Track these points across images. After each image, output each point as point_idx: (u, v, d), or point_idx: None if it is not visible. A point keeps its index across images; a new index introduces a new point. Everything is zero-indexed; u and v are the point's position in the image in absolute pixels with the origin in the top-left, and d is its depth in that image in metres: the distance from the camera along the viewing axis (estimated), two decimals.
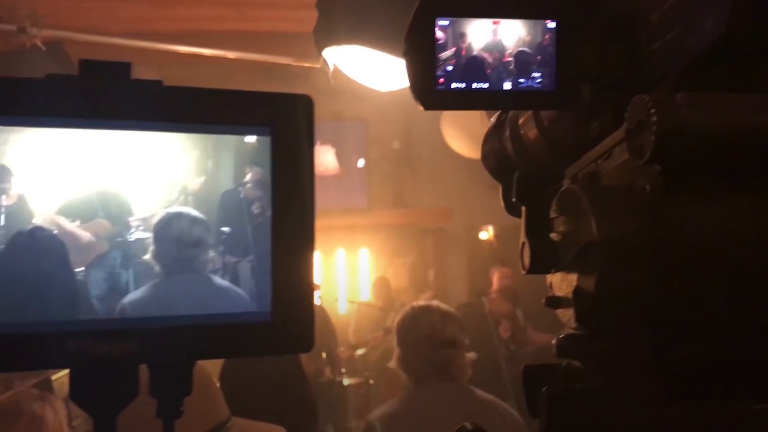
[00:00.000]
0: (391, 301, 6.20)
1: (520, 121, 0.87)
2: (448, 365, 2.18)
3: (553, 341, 0.69)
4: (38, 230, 0.51)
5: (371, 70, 2.32)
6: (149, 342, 0.52)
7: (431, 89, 0.70)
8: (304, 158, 0.55)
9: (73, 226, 0.51)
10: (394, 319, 5.78)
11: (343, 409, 5.59)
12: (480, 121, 4.61)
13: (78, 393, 0.52)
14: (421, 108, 0.71)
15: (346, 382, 5.57)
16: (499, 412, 2.16)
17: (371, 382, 5.76)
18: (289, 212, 0.55)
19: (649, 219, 0.58)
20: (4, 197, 0.50)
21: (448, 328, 2.23)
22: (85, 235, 0.52)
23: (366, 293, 6.54)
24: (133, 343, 0.51)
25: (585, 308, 0.62)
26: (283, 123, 0.55)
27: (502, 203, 1.00)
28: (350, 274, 6.71)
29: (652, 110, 0.57)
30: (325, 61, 2.35)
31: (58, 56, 4.55)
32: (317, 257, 6.59)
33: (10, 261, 0.50)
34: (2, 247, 0.50)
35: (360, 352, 5.80)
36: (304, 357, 4.54)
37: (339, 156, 6.49)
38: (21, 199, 0.51)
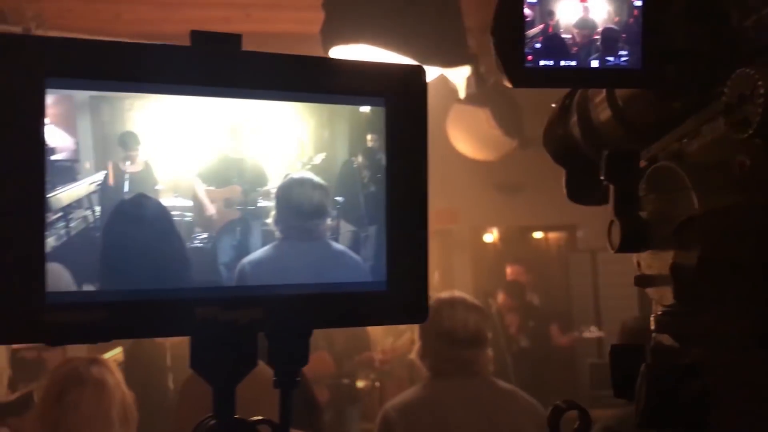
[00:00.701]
0: None
1: (591, 103, 0.87)
2: (468, 364, 2.15)
3: (652, 318, 0.68)
4: (143, 198, 0.51)
5: None
6: (272, 310, 0.52)
7: (519, 66, 0.70)
8: (417, 128, 0.55)
9: (205, 191, 0.51)
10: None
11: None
12: (485, 122, 4.62)
13: (199, 361, 0.52)
14: (509, 85, 0.71)
15: (360, 384, 5.55)
16: (518, 401, 2.14)
17: (377, 384, 5.74)
18: (403, 182, 0.55)
19: (753, 192, 0.58)
20: (128, 164, 0.50)
21: (471, 322, 2.18)
22: (217, 200, 0.51)
23: None
24: (258, 311, 0.51)
25: (685, 283, 0.61)
26: (397, 93, 0.55)
27: (564, 189, 1.00)
28: None
29: (759, 83, 0.57)
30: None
31: None
32: None
33: (122, 228, 0.50)
34: (113, 215, 0.50)
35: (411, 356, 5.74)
36: (328, 358, 4.53)
37: None
38: (147, 165, 0.50)
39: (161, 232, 0.50)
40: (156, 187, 0.51)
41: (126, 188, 0.50)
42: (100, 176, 0.50)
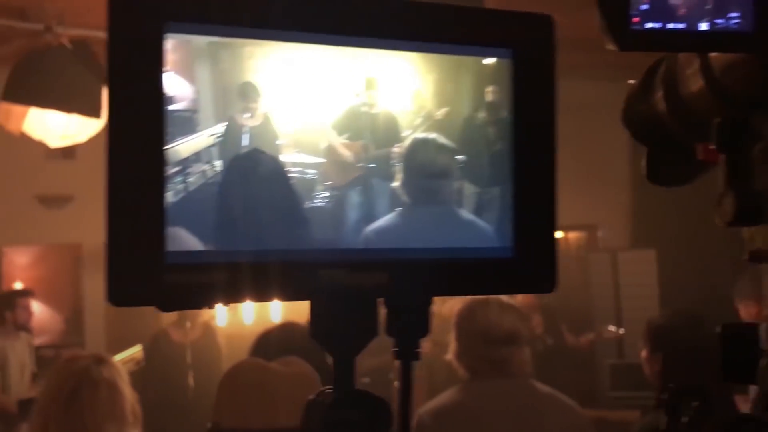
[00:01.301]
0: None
1: (681, 75, 0.83)
2: (505, 363, 2.11)
3: None
4: (258, 153, 0.47)
5: None
6: (397, 275, 0.48)
7: (625, 29, 0.66)
8: (546, 83, 0.52)
9: (330, 147, 0.47)
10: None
11: None
12: None
13: (319, 329, 0.48)
14: (614, 49, 0.67)
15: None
16: (557, 405, 2.10)
17: (396, 384, 5.69)
18: (531, 141, 0.51)
19: None
20: (247, 116, 0.47)
21: (506, 321, 2.14)
22: (343, 157, 0.48)
23: None
24: (382, 276, 0.47)
25: None
26: (525, 44, 0.52)
27: (643, 170, 0.96)
28: None
29: None
30: None
31: (85, 55, 4.53)
32: None
33: (239, 185, 0.46)
34: (229, 171, 0.46)
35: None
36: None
37: None
38: (267, 119, 0.47)
39: (278, 190, 0.47)
40: (276, 142, 0.47)
41: (244, 142, 0.47)
42: (219, 128, 0.46)
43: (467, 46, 0.51)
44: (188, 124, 0.46)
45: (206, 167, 0.46)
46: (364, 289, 0.47)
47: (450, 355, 2.21)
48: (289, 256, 0.46)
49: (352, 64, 0.49)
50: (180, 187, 0.45)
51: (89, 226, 6.60)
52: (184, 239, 0.44)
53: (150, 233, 0.44)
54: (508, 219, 0.51)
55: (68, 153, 6.47)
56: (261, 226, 0.46)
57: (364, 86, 0.49)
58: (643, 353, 2.09)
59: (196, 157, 0.46)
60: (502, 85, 0.52)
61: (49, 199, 6.45)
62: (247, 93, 0.46)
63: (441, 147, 0.50)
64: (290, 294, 0.48)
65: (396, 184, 0.49)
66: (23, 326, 4.82)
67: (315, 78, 0.48)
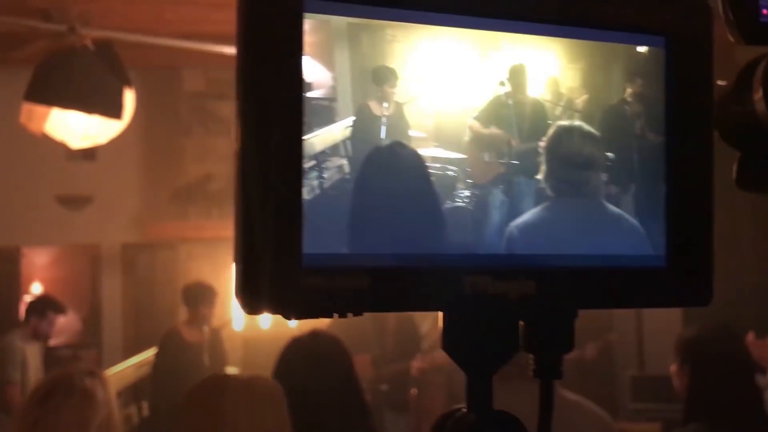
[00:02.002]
0: None
1: None
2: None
3: None
4: (399, 147, 0.43)
5: None
6: (544, 283, 0.43)
7: (753, 22, 0.61)
8: (703, 75, 0.47)
9: (473, 141, 0.43)
10: None
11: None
12: None
13: (454, 342, 0.43)
14: (740, 43, 0.62)
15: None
16: (585, 413, 2.05)
17: (414, 391, 5.64)
18: (686, 138, 0.47)
19: None
20: (385, 105, 0.42)
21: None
22: (486, 152, 0.43)
23: None
24: (530, 284, 0.43)
25: None
26: (680, 34, 0.47)
27: (734, 174, 0.91)
28: None
29: None
30: None
31: (107, 57, 4.51)
32: None
33: (378, 181, 0.41)
34: (367, 166, 0.41)
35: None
36: (367, 361, 4.41)
37: None
38: (405, 108, 0.42)
39: (418, 188, 0.42)
40: (412, 134, 0.43)
41: (382, 134, 0.42)
42: (355, 119, 0.42)
43: (618, 33, 0.46)
44: (326, 113, 0.41)
45: (343, 162, 0.41)
46: (508, 298, 0.42)
47: None
48: (429, 262, 0.41)
49: (498, 50, 0.44)
50: (315, 183, 0.40)
51: (108, 227, 6.62)
52: (319, 240, 0.40)
53: (286, 233, 0.39)
54: (660, 224, 0.46)
55: (89, 154, 6.47)
56: (399, 229, 0.41)
57: (509, 75, 0.44)
58: (673, 366, 2.05)
59: (332, 150, 0.41)
60: (654, 76, 0.47)
61: (69, 200, 6.45)
62: (385, 80, 0.42)
63: (587, 135, 0.45)
64: (428, 303, 0.43)
65: (541, 177, 0.45)
66: (41, 337, 4.81)
67: (459, 65, 0.43)
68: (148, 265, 6.90)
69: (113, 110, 4.14)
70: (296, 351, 1.94)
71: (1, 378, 4.52)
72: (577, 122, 0.45)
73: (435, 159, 0.43)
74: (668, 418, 5.66)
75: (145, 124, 5.76)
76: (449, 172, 0.43)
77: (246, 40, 0.40)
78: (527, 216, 0.44)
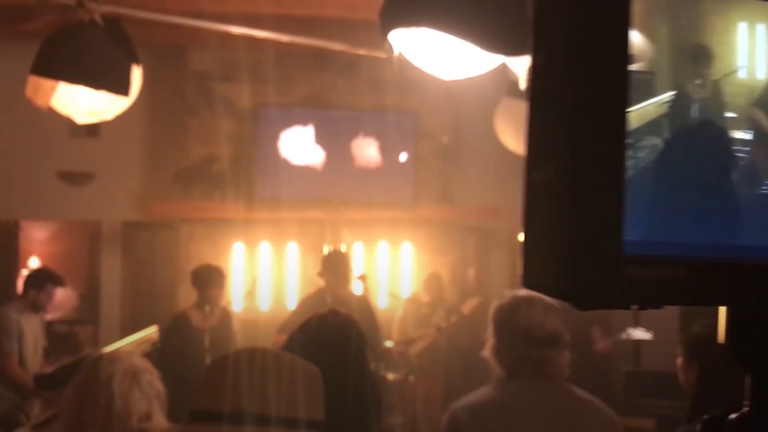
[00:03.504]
0: (441, 298, 6.09)
1: None
2: (544, 365, 2.06)
3: None
4: (708, 126, 0.41)
5: (439, 56, 2.22)
6: None
7: None
8: None
9: None
10: (442, 317, 5.68)
11: (386, 404, 5.49)
12: None
13: (744, 340, 0.42)
14: None
15: (390, 376, 5.47)
16: (595, 411, 2.04)
17: (411, 378, 5.66)
18: None
19: None
20: (698, 83, 0.41)
21: (548, 323, 2.07)
22: None
23: (408, 288, 6.45)
24: None
25: None
26: None
27: None
28: (392, 268, 6.62)
29: None
30: (390, 45, 2.24)
31: (116, 32, 4.45)
32: (359, 248, 6.46)
33: (690, 163, 0.40)
34: (678, 145, 0.40)
35: (420, 345, 5.67)
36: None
37: (383, 149, 6.39)
38: (718, 87, 0.42)
39: (727, 172, 0.41)
40: (727, 116, 0.42)
41: (694, 113, 0.41)
42: (670, 96, 0.41)
43: None
44: (645, 88, 0.40)
45: (656, 141, 0.40)
46: None
47: (487, 352, 2.14)
48: (747, 254, 0.41)
49: None
50: (630, 163, 0.40)
51: (109, 204, 6.56)
52: (637, 227, 0.39)
53: (609, 218, 0.38)
54: None
55: (92, 131, 6.40)
56: (710, 216, 0.40)
57: None
58: (679, 361, 2.06)
59: (647, 128, 0.40)
60: None
61: (71, 176, 6.38)
62: (701, 56, 0.41)
63: None
64: (737, 298, 0.42)
65: None
66: (39, 309, 4.78)
67: None
68: (149, 245, 6.86)
69: (121, 87, 4.09)
70: (308, 331, 1.87)
71: None
72: None
73: (745, 142, 0.42)
74: (663, 414, 5.74)
75: (150, 102, 5.71)
76: (759, 156, 0.42)
77: (576, 9, 0.39)
78: None
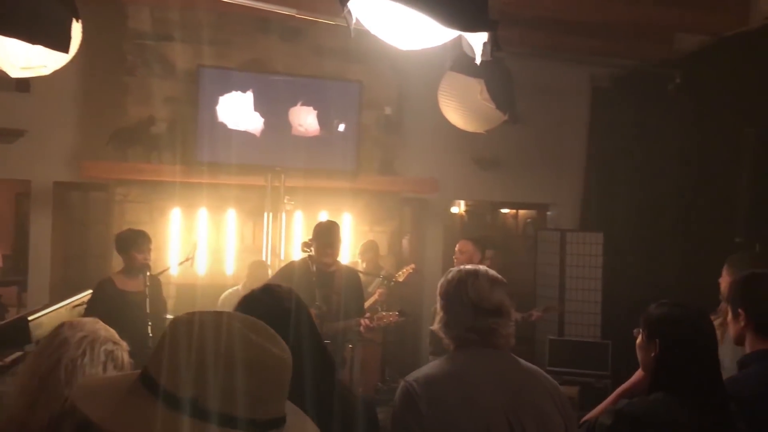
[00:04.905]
0: (376, 267, 6.16)
1: None
2: (492, 334, 2.13)
3: None
4: None
5: (396, 26, 2.25)
6: None
7: None
8: None
9: None
10: (377, 285, 5.73)
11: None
12: (479, 94, 4.65)
13: None
14: None
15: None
16: (541, 381, 2.13)
17: (350, 346, 5.75)
18: None
19: None
20: None
21: (495, 295, 2.15)
22: None
23: (346, 256, 6.49)
24: None
25: None
26: None
27: None
28: None
29: None
30: (348, 12, 2.25)
31: None
32: (298, 217, 6.44)
33: None
34: None
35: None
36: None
37: (323, 118, 6.33)
38: None
39: None
40: None
41: None
42: None
43: None
44: None
45: None
46: None
47: (435, 326, 2.20)
48: None
49: None
50: None
51: (40, 162, 6.31)
52: None
53: None
54: None
55: (22, 86, 6.11)
56: None
57: None
58: (639, 339, 2.18)
59: None
60: None
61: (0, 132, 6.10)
62: None
63: None
64: None
65: None
66: None
67: None
68: (81, 206, 6.65)
69: (59, 42, 3.93)
70: (254, 305, 1.86)
71: None
72: None
73: None
74: (586, 382, 6.03)
75: (86, 58, 5.48)
76: None
77: None
78: None
